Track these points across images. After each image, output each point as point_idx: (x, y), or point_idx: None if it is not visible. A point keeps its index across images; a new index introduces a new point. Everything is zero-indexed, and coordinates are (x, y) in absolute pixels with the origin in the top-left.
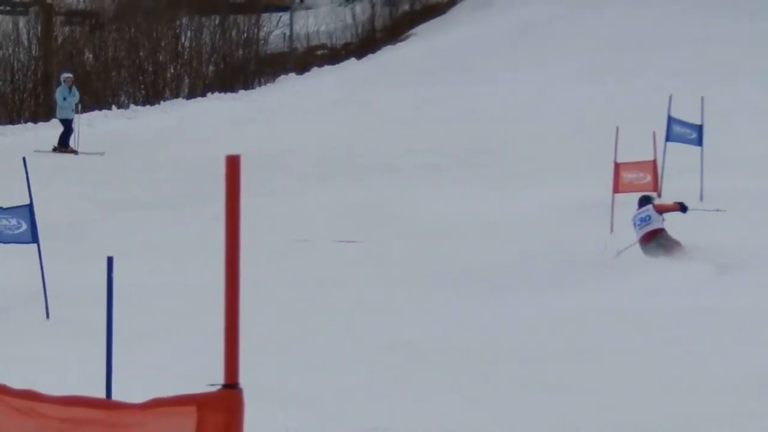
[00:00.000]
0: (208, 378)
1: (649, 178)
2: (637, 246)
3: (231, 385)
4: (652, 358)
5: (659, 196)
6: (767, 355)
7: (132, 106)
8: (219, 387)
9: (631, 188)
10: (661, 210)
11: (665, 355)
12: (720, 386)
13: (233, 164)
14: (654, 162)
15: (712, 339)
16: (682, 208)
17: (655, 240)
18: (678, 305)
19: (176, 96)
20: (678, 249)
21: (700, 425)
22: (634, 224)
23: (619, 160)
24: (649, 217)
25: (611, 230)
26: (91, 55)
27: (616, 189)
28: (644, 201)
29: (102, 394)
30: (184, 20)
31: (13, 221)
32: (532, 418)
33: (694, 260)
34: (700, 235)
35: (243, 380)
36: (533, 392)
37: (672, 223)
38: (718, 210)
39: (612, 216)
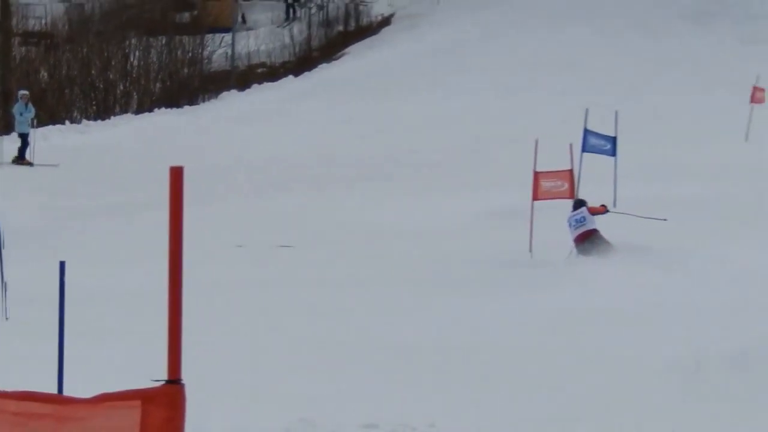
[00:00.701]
0: (155, 374)
1: (566, 186)
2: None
3: (174, 380)
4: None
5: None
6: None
7: (84, 121)
8: (162, 382)
9: (550, 196)
10: (593, 213)
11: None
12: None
13: (177, 175)
14: (571, 171)
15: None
16: (606, 210)
17: (589, 240)
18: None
19: (125, 111)
20: (609, 248)
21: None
22: (570, 225)
23: (538, 170)
24: (584, 218)
25: (530, 235)
26: (46, 74)
27: (536, 197)
28: (578, 204)
29: (54, 390)
30: (133, 40)
31: None
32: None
33: (643, 263)
34: (624, 236)
35: (187, 376)
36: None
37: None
38: (662, 219)
39: (531, 221)
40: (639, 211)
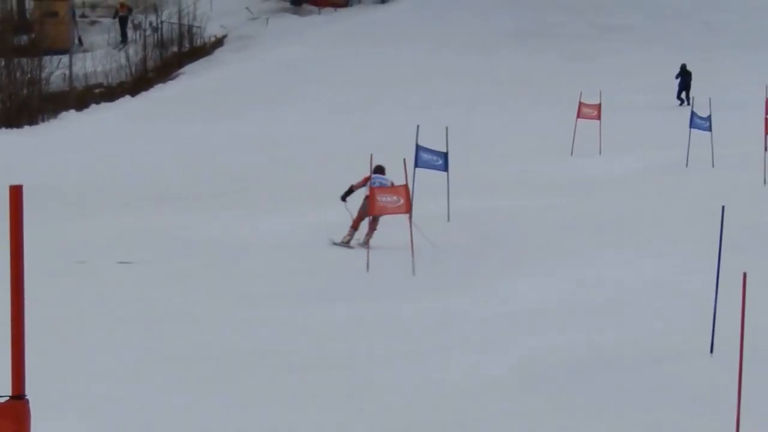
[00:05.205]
0: (4, 390)
1: (402, 201)
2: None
3: (18, 396)
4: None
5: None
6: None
7: None
8: (6, 398)
9: (386, 211)
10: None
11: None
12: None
13: (16, 194)
14: (406, 186)
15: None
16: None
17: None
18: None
19: None
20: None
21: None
22: (374, 183)
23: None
24: (384, 182)
25: (367, 246)
26: None
27: (372, 212)
28: (379, 170)
29: None
30: None
31: None
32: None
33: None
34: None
35: (35, 391)
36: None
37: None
38: (433, 244)
39: (369, 236)
40: (470, 225)
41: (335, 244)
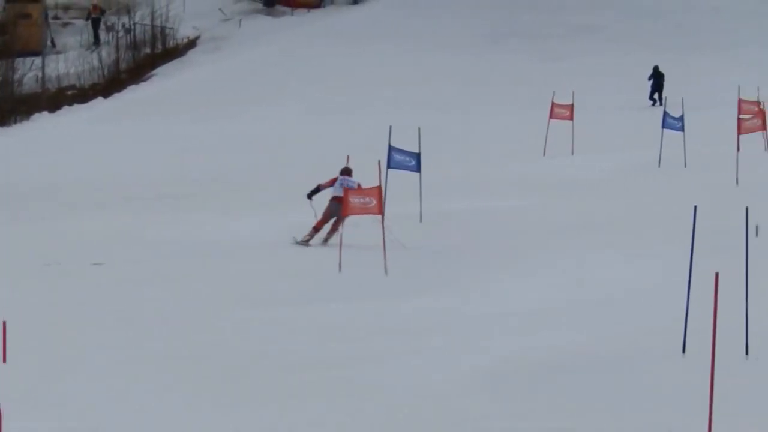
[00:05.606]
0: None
1: (374, 202)
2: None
3: None
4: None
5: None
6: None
7: None
8: None
9: (360, 211)
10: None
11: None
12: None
13: None
14: (379, 188)
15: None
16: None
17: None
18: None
19: None
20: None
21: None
22: (341, 185)
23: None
24: (350, 185)
25: (340, 247)
26: None
27: (345, 212)
28: (346, 172)
29: None
30: None
31: None
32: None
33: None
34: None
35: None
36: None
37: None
38: (405, 245)
39: (341, 235)
40: (443, 226)
41: (297, 242)
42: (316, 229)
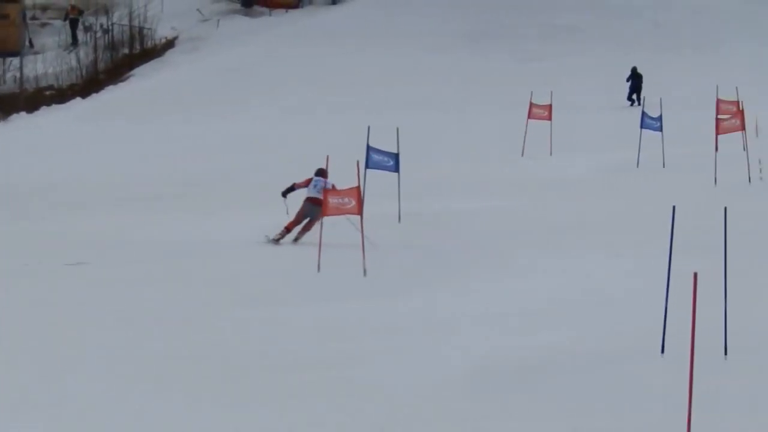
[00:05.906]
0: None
1: (353, 202)
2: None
3: None
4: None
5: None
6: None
7: None
8: None
9: (338, 212)
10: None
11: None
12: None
13: None
14: (357, 188)
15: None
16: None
17: (317, 205)
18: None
19: None
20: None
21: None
22: (315, 186)
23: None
24: (325, 186)
25: (319, 248)
26: None
27: (325, 213)
28: (321, 173)
29: None
30: None
31: None
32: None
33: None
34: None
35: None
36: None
37: None
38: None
39: (320, 236)
40: (421, 226)
41: (269, 240)
42: (287, 229)
